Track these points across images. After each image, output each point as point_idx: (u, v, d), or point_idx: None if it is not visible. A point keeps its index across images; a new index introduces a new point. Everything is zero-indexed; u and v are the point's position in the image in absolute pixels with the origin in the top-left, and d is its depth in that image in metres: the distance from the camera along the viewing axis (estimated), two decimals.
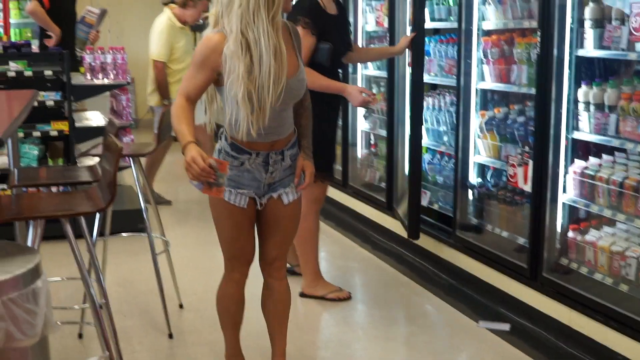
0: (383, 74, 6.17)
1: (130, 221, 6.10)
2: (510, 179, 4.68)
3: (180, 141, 3.20)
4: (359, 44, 6.63)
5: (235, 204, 3.43)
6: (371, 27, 6.53)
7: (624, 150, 4.12)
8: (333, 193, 6.86)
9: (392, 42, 5.81)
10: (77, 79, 6.38)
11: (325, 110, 4.79)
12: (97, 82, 6.37)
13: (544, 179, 4.34)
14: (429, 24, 5.72)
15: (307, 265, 5.06)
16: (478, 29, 5.00)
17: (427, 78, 5.73)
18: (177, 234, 6.38)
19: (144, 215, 4.58)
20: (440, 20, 5.56)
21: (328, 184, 5.18)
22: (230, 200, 3.41)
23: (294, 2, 4.79)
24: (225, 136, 3.39)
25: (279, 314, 3.73)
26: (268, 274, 3.69)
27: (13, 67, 5.99)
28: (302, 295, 5.07)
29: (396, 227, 5.95)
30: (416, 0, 4.95)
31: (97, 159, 4.67)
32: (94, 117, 6.90)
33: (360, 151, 6.89)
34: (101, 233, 4.65)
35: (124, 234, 5.33)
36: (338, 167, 6.65)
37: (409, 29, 5.78)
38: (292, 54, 3.35)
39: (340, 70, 5.06)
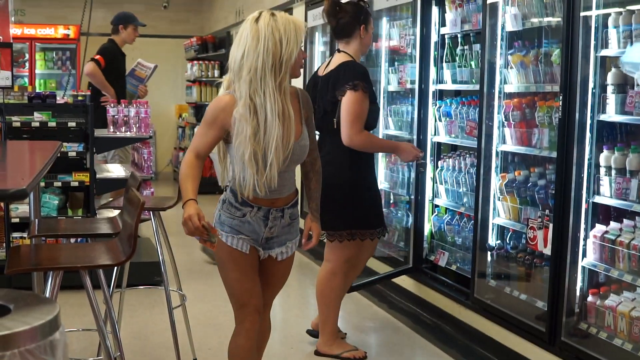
0: (403, 134, 6.19)
1: (146, 274, 6.12)
2: (529, 241, 4.66)
3: (182, 197, 3.42)
4: (381, 103, 6.69)
5: (237, 248, 3.54)
6: (393, 87, 6.58)
7: None
8: None
9: (415, 104, 5.88)
10: (100, 131, 6.44)
11: (367, 169, 4.96)
12: (119, 134, 6.42)
13: (564, 243, 4.32)
14: (450, 86, 5.77)
15: (327, 324, 5.02)
16: (500, 92, 5.03)
17: (447, 139, 5.77)
18: (193, 288, 6.36)
19: (162, 269, 4.58)
20: (462, 82, 5.60)
21: (375, 242, 5.18)
22: (232, 245, 3.53)
23: (332, 65, 4.88)
24: (230, 188, 3.53)
25: (264, 342, 3.89)
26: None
27: (37, 117, 6.06)
28: (317, 353, 5.03)
29: (414, 286, 5.92)
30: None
31: (116, 211, 4.70)
32: (115, 169, 6.95)
33: None
34: (118, 285, 4.65)
35: (140, 287, 5.32)
36: None
37: (432, 88, 5.84)
38: (297, 120, 3.49)
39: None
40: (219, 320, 5.73)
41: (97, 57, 7.76)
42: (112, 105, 7.49)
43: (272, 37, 3.31)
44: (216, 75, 11.69)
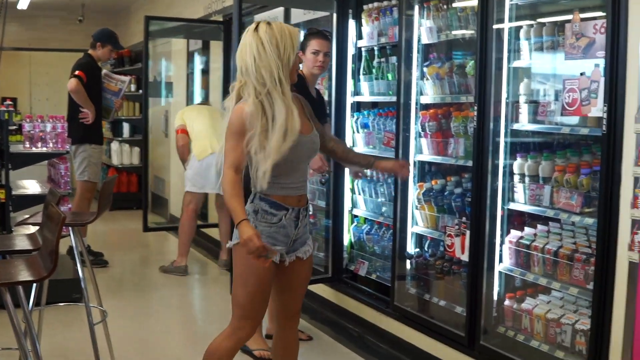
0: None
1: (64, 291, 6.03)
2: (447, 249, 4.76)
3: (233, 218, 3.48)
4: None
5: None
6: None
7: (557, 220, 4.24)
8: None
9: (332, 115, 5.95)
10: (15, 146, 6.32)
11: None
12: (35, 150, 6.32)
13: (481, 249, 4.43)
14: (368, 98, 5.85)
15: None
16: (416, 103, 5.13)
17: (366, 150, 5.84)
18: (113, 304, 6.29)
19: (82, 285, 4.53)
20: (379, 94, 5.69)
21: None
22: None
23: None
24: (260, 196, 3.61)
25: (293, 356, 3.95)
26: (286, 327, 3.89)
27: None
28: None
29: (335, 297, 5.97)
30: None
31: (33, 228, 4.64)
32: (31, 186, 6.82)
33: None
34: (37, 303, 4.58)
35: (60, 304, 5.24)
36: None
37: (349, 100, 5.93)
38: (304, 118, 3.68)
39: None
40: (140, 335, 5.69)
41: (78, 72, 7.57)
42: (89, 121, 7.45)
43: (274, 43, 3.51)
44: (133, 89, 11.57)
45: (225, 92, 8.59)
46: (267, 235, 3.57)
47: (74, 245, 4.63)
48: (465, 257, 4.58)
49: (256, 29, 3.56)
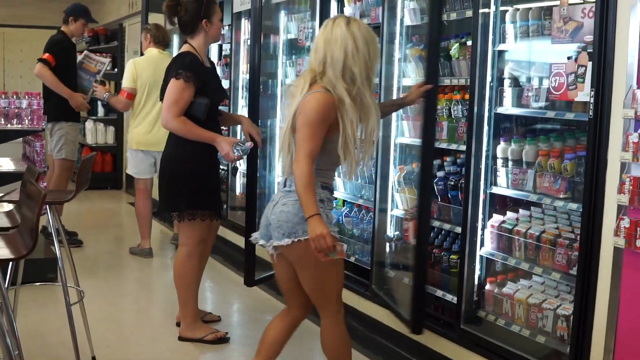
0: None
1: (37, 270, 5.95)
2: None
3: (304, 211, 3.47)
4: (278, 96, 6.68)
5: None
6: (291, 80, 6.58)
7: (539, 205, 4.23)
8: (236, 239, 7.03)
9: None
10: None
11: (208, 155, 4.98)
12: (10, 127, 6.22)
13: (463, 233, 4.41)
14: None
15: (187, 308, 5.13)
16: (398, 85, 5.10)
17: None
18: (89, 285, 6.23)
19: (59, 264, 4.47)
20: None
21: (216, 224, 5.31)
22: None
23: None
24: (321, 185, 3.66)
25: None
26: (305, 314, 4.11)
27: None
28: (181, 339, 5.14)
29: None
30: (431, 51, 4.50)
31: (7, 206, 4.57)
32: (5, 163, 6.73)
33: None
34: (11, 282, 4.51)
35: (35, 284, 5.18)
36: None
37: None
38: None
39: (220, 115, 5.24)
40: (117, 316, 5.64)
41: (46, 55, 7.41)
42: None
43: (366, 43, 3.58)
44: (108, 68, 11.44)
45: None
46: (332, 221, 3.70)
47: (50, 223, 4.57)
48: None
49: (348, 23, 3.58)
